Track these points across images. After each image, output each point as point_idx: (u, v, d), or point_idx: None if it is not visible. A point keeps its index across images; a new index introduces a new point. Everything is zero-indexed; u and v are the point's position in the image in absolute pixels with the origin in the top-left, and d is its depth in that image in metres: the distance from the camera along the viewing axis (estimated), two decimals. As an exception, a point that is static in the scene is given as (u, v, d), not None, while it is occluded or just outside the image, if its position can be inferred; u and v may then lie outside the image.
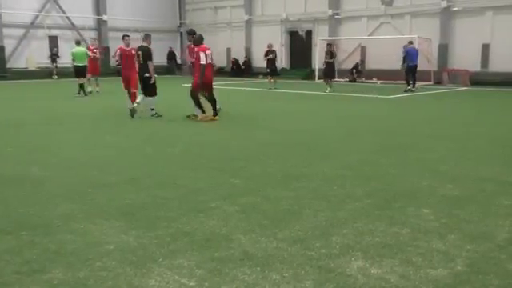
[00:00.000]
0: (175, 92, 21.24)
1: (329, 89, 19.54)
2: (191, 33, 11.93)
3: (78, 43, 18.42)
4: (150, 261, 3.51)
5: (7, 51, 28.99)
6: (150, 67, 11.72)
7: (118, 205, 4.87)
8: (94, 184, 5.68)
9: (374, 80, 25.22)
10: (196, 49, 11.12)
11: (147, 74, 11.70)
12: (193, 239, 3.95)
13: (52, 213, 4.61)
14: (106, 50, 32.62)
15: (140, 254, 3.65)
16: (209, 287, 3.14)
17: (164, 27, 36.00)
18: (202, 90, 11.28)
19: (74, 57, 17.49)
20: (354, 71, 27.15)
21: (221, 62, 34.69)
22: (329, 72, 20.25)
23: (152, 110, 11.90)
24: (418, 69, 20.26)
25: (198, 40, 11.29)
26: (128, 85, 12.90)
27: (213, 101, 11.35)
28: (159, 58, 35.55)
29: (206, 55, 11.07)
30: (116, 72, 16.50)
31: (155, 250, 3.72)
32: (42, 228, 4.19)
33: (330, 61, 19.87)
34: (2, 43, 28.68)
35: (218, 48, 34.51)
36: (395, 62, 21.22)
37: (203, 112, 11.22)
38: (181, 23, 37.11)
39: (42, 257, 3.59)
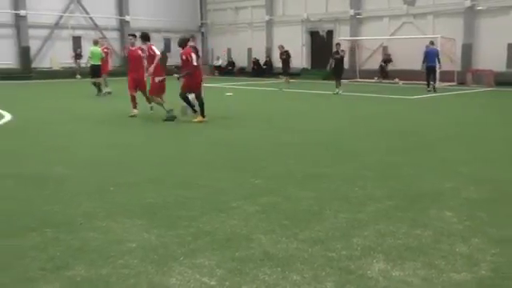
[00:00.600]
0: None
1: (338, 89, 18.80)
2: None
3: (95, 43, 18.61)
4: (171, 259, 3.54)
5: (32, 51, 29.49)
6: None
7: (140, 203, 4.91)
8: (115, 183, 5.75)
9: (396, 80, 24.95)
10: (182, 51, 10.92)
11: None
12: (214, 239, 3.96)
13: (75, 211, 4.68)
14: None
15: (161, 252, 3.68)
16: (229, 287, 3.15)
17: (185, 27, 36.21)
18: (190, 91, 11.00)
19: (92, 56, 17.71)
20: (383, 64, 26.53)
21: (242, 62, 34.80)
22: (337, 72, 19.38)
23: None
24: (442, 69, 19.95)
25: (183, 42, 11.01)
26: (138, 87, 12.04)
27: (201, 102, 11.07)
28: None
29: (198, 57, 11.13)
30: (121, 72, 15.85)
31: (176, 248, 3.75)
32: (65, 225, 4.25)
33: (338, 57, 19.25)
34: (27, 44, 29.19)
35: (239, 48, 34.64)
36: (418, 63, 20.97)
37: (194, 111, 11.06)
38: (202, 23, 37.29)
39: (66, 254, 3.65)
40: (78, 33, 31.35)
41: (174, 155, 7.53)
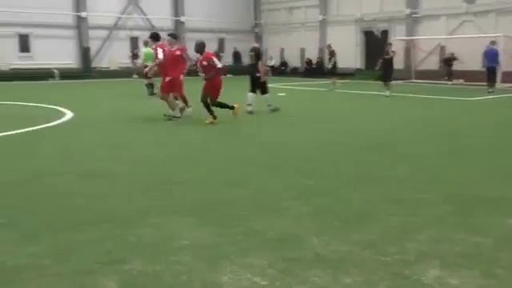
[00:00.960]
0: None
1: (387, 92, 17.72)
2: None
3: (145, 44, 18.95)
4: (222, 258, 3.58)
5: (92, 52, 30.60)
6: (261, 67, 12.57)
7: (193, 201, 5.00)
8: (170, 180, 5.88)
9: (460, 81, 24.05)
10: (201, 57, 10.75)
11: (258, 74, 12.37)
12: (265, 238, 3.98)
13: (131, 207, 4.82)
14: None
15: (213, 250, 3.72)
16: (280, 287, 3.15)
17: (238, 28, 36.53)
18: (209, 93, 10.82)
19: (145, 57, 18.07)
20: (446, 64, 25.44)
21: (294, 62, 34.71)
22: (385, 73, 18.35)
23: (269, 105, 12.54)
24: (505, 70, 19.11)
25: (202, 48, 10.87)
26: (175, 89, 11.61)
27: (216, 105, 10.96)
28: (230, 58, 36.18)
29: (219, 59, 10.97)
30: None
31: (228, 247, 3.78)
32: (121, 221, 4.38)
33: (387, 58, 18.29)
34: (87, 44, 30.32)
35: (292, 48, 34.58)
36: (479, 63, 20.20)
37: (214, 118, 10.62)
38: (256, 24, 37.48)
39: (122, 248, 3.76)
40: (135, 34, 32.21)
41: (225, 154, 7.61)
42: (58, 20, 29.05)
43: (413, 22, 28.20)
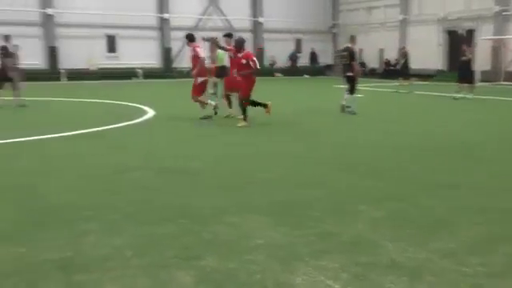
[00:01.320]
0: (327, 93, 21.41)
1: (463, 94, 16.88)
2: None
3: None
4: (296, 259, 3.58)
5: (173, 52, 31.67)
6: (355, 67, 12.64)
7: (269, 201, 5.04)
8: (247, 179, 5.98)
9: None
10: (240, 54, 10.50)
11: (350, 73, 12.42)
12: (339, 241, 3.94)
13: (208, 204, 4.94)
14: (261, 52, 33.94)
15: (287, 251, 3.74)
16: (354, 292, 3.11)
17: (314, 28, 36.33)
18: (233, 90, 10.73)
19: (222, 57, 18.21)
20: None
21: (373, 63, 33.99)
22: (462, 75, 17.33)
23: (349, 107, 12.51)
24: None
25: (242, 44, 10.72)
26: (236, 89, 11.09)
27: (253, 103, 10.82)
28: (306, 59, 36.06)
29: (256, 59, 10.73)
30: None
31: (302, 248, 3.78)
32: (198, 217, 4.51)
33: (464, 59, 17.42)
34: (169, 45, 31.44)
35: (370, 49, 33.87)
36: None
37: (245, 119, 10.45)
38: (334, 24, 37.10)
39: (198, 244, 3.87)
40: (214, 35, 32.92)
41: (303, 155, 7.60)
42: (143, 22, 30.34)
43: (502, 20, 26.68)
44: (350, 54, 12.73)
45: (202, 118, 11.41)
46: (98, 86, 23.81)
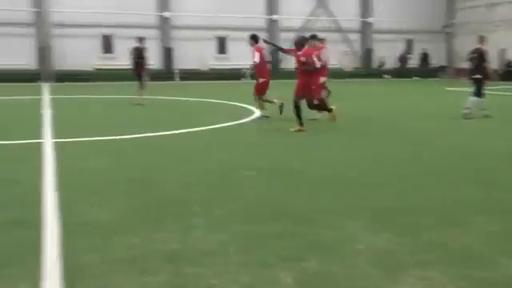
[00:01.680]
0: (440, 96, 20.48)
1: None
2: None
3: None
4: (400, 267, 3.46)
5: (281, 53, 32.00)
6: (488, 69, 12.43)
7: (372, 206, 4.92)
8: (350, 182, 5.88)
9: None
10: (300, 52, 9.94)
11: (477, 76, 12.05)
12: (447, 252, 3.73)
13: (312, 205, 4.93)
14: (369, 52, 33.26)
15: (390, 258, 3.62)
16: (462, 307, 2.93)
17: (425, 28, 34.77)
18: (304, 94, 10.01)
19: None
20: None
21: (492, 63, 31.74)
22: None
23: (468, 109, 11.97)
24: None
25: (304, 41, 10.19)
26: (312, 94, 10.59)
27: (315, 105, 10.34)
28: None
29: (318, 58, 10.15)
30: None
31: (406, 257, 3.64)
32: (302, 218, 4.51)
33: None
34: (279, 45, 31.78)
35: (490, 48, 31.62)
36: None
37: (301, 124, 9.82)
38: (448, 23, 35.24)
39: (300, 246, 3.87)
40: (321, 35, 32.83)
41: (410, 160, 7.31)
42: (253, 23, 31.04)
43: None
44: (480, 56, 12.26)
45: (260, 118, 11.74)
46: (210, 86, 24.75)
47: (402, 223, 4.40)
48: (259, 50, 11.82)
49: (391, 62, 34.08)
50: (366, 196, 5.30)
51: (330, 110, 10.35)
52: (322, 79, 11.23)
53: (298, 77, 10.13)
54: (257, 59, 11.63)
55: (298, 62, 9.99)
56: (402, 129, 10.62)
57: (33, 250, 3.71)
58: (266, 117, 11.82)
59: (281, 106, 11.55)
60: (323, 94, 11.89)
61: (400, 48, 34.66)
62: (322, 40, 12.25)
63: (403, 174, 6.43)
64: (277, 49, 11.72)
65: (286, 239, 4.01)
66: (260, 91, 11.89)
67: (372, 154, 7.81)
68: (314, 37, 11.75)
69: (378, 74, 32.95)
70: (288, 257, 3.65)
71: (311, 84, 9.99)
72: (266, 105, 12.02)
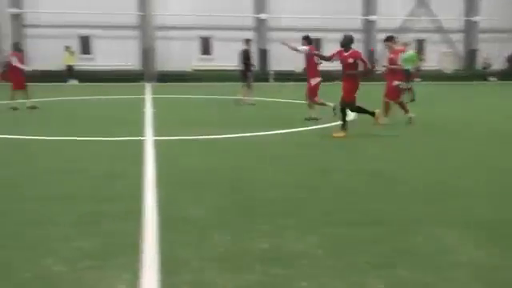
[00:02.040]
0: None
1: None
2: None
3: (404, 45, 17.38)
4: (505, 285, 3.22)
5: (377, 53, 31.27)
6: None
7: (473, 216, 4.65)
8: (447, 190, 5.60)
9: None
10: (346, 53, 9.47)
11: None
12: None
13: (407, 212, 4.75)
14: (473, 53, 31.44)
15: (494, 274, 3.38)
16: None
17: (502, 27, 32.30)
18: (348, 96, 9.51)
19: (408, 59, 16.37)
20: None
21: None
22: None
23: None
24: None
25: (350, 42, 9.59)
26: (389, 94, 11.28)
27: (356, 109, 9.72)
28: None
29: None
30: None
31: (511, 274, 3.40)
32: (396, 225, 4.36)
33: None
34: (375, 47, 31.07)
35: None
36: None
37: (344, 130, 9.41)
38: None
39: (392, 253, 3.74)
40: (421, 36, 31.63)
41: (496, 165, 6.83)
42: (348, 24, 30.62)
43: None
44: None
45: (306, 119, 11.53)
46: (302, 87, 24.68)
47: (509, 238, 4.10)
48: (312, 49, 11.69)
49: (498, 64, 32.02)
50: (463, 205, 5.00)
51: (372, 114, 9.93)
52: (396, 82, 11.05)
53: (344, 80, 9.68)
54: (316, 60, 11.54)
55: (345, 64, 9.58)
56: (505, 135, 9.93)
57: (134, 242, 3.92)
58: (316, 119, 11.61)
59: (334, 109, 11.32)
60: (402, 97, 11.48)
61: (509, 48, 32.45)
62: (397, 41, 11.87)
63: (505, 182, 6.01)
64: (320, 57, 11.28)
65: (379, 245, 3.89)
66: (313, 93, 11.80)
67: (473, 160, 7.38)
68: (390, 38, 11.47)
69: (482, 76, 31.10)
70: (379, 263, 3.54)
71: (356, 87, 9.60)
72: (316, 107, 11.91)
